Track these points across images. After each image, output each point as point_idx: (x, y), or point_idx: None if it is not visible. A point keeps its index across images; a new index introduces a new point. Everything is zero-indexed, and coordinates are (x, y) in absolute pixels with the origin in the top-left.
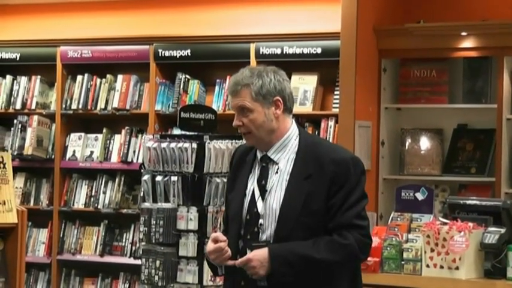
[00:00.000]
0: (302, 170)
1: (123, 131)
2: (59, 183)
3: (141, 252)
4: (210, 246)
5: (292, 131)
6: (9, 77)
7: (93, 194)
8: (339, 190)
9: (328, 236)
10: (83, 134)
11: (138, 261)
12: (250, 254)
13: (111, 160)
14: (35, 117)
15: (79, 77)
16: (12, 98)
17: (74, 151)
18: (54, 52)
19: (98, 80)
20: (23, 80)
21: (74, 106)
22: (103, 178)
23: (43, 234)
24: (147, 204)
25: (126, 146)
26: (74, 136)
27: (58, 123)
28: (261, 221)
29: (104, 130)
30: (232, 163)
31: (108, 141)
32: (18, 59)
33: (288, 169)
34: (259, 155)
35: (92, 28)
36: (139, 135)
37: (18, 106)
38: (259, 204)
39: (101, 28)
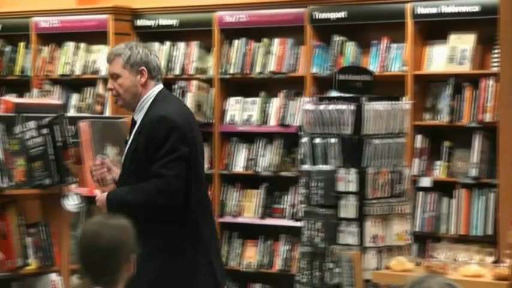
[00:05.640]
0: (139, 126)
1: (281, 94)
2: (218, 147)
3: (301, 214)
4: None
5: (151, 94)
6: (168, 43)
7: (252, 157)
8: (151, 144)
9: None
10: (240, 98)
11: (298, 224)
12: (97, 196)
13: (269, 123)
14: (194, 82)
15: (236, 42)
16: (172, 64)
17: (233, 115)
18: (211, 17)
19: (255, 44)
20: (182, 45)
21: (231, 70)
22: (262, 141)
23: None
24: (306, 167)
25: (284, 109)
26: (232, 100)
27: (216, 88)
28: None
29: (261, 94)
30: None
31: (265, 105)
32: (176, 25)
33: (136, 127)
34: None
35: None
36: (296, 98)
37: (177, 72)
38: (123, 156)
39: None
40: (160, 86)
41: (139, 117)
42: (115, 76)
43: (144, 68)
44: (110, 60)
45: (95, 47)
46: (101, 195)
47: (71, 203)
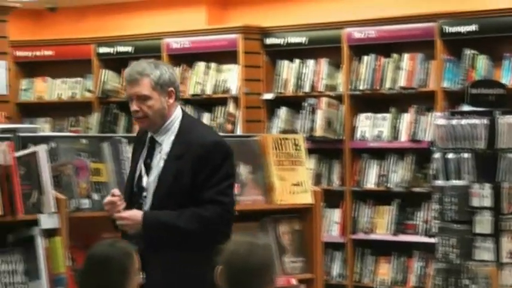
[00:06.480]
0: (176, 151)
1: (411, 110)
2: (349, 164)
3: (435, 230)
4: (106, 198)
5: (176, 115)
6: (297, 61)
7: (383, 173)
8: (203, 170)
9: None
10: (371, 114)
11: (432, 240)
12: (127, 213)
13: (400, 139)
14: (324, 99)
15: (365, 58)
16: (301, 81)
17: (363, 131)
18: (340, 34)
19: (384, 60)
20: (311, 63)
21: (361, 86)
22: (393, 157)
23: (336, 214)
24: (439, 182)
25: (415, 125)
26: (362, 116)
27: (346, 104)
28: (144, 193)
29: (392, 109)
30: (134, 142)
31: (396, 120)
32: (305, 42)
33: (167, 150)
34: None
35: (376, 8)
36: (427, 113)
37: (307, 89)
38: (144, 179)
39: (385, 8)
40: (179, 107)
41: (165, 139)
42: (143, 98)
43: (173, 89)
44: (135, 80)
45: (225, 67)
46: (134, 213)
47: None
